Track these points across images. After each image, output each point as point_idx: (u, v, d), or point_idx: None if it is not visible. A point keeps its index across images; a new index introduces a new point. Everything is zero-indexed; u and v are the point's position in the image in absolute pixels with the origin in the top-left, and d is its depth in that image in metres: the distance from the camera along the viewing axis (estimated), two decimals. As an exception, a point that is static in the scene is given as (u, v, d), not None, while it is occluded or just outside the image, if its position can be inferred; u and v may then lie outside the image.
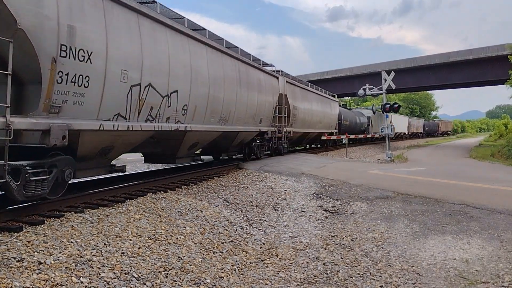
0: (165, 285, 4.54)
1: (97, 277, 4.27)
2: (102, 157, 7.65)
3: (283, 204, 9.44)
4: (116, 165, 8.18)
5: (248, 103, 13.27)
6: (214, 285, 4.88)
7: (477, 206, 8.03)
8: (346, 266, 5.85)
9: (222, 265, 5.55)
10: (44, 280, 3.92)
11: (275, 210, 9.01)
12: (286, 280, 5.39)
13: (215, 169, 12.44)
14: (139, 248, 5.26)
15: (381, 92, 19.98)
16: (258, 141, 15.62)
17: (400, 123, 47.62)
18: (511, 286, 4.82)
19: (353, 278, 5.45)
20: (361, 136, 33.99)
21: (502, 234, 6.47)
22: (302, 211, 8.84)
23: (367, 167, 15.23)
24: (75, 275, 4.18)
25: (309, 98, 21.97)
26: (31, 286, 3.77)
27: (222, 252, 6.05)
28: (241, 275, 5.40)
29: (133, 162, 15.95)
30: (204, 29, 10.66)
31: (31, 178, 5.63)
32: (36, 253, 4.43)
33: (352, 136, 30.75)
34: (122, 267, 4.61)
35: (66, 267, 4.27)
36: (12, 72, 5.03)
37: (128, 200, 7.37)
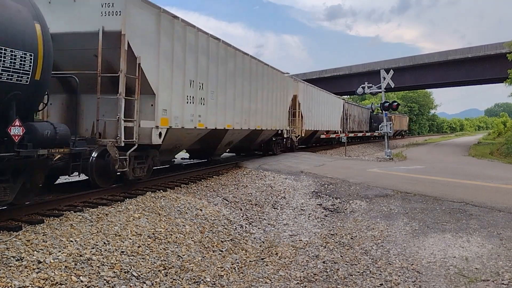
0: (165, 284, 4.53)
1: (96, 276, 4.26)
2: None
3: (283, 202, 9.44)
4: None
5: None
6: (214, 284, 4.88)
7: (476, 204, 8.04)
8: (346, 264, 5.85)
9: (221, 263, 5.55)
10: (43, 279, 3.91)
11: (274, 208, 9.01)
12: (286, 279, 5.39)
13: (214, 168, 12.43)
14: (138, 247, 5.25)
15: (380, 90, 19.97)
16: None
17: (321, 112, 23.34)
18: (511, 284, 4.83)
19: (353, 276, 5.45)
20: None
21: (502, 232, 6.48)
22: (302, 210, 8.84)
23: (366, 165, 15.23)
24: (75, 274, 4.17)
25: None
26: (30, 285, 3.76)
27: (221, 251, 6.04)
28: (241, 274, 5.39)
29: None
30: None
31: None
32: (35, 252, 4.42)
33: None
34: (121, 266, 4.61)
35: (66, 266, 4.26)
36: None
37: (127, 199, 7.35)
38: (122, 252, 4.97)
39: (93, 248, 4.85)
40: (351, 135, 33.57)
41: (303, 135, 20.31)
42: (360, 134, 35.65)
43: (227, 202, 8.87)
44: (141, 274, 4.58)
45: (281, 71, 17.03)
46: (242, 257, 5.98)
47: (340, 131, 28.53)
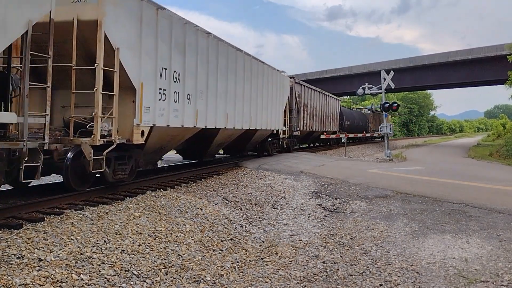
0: (165, 283, 4.54)
1: (97, 274, 4.27)
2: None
3: (282, 202, 9.45)
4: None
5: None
6: (214, 283, 4.89)
7: (476, 206, 8.05)
8: (346, 264, 5.86)
9: (222, 263, 5.56)
10: (44, 277, 3.92)
11: (274, 208, 9.02)
12: (285, 278, 5.40)
13: (214, 168, 12.44)
14: (139, 245, 5.26)
15: (380, 91, 19.99)
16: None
17: (229, 91, 11.69)
18: (511, 285, 4.84)
19: (353, 276, 5.46)
20: None
21: (501, 233, 6.50)
22: (302, 210, 8.85)
23: (366, 166, 15.24)
24: (75, 272, 4.18)
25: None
26: (31, 283, 3.76)
27: (221, 250, 6.05)
28: (241, 273, 5.40)
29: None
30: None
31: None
32: (36, 250, 4.43)
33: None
34: (122, 264, 4.62)
35: (66, 264, 4.27)
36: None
37: (127, 197, 7.37)
38: (123, 250, 4.98)
39: (93, 246, 4.85)
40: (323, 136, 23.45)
41: (138, 140, 7.88)
42: (329, 136, 23.79)
43: (227, 201, 8.88)
44: (142, 272, 4.59)
45: None
46: (242, 257, 5.99)
47: (284, 130, 17.43)
